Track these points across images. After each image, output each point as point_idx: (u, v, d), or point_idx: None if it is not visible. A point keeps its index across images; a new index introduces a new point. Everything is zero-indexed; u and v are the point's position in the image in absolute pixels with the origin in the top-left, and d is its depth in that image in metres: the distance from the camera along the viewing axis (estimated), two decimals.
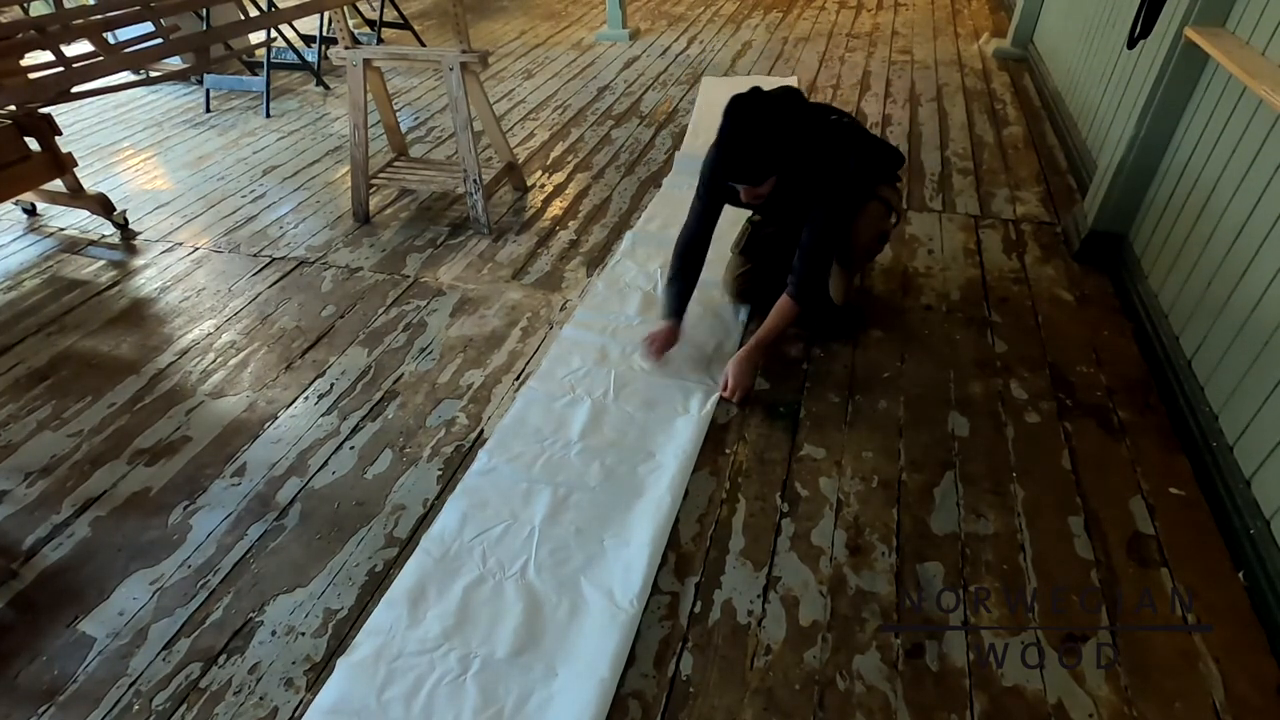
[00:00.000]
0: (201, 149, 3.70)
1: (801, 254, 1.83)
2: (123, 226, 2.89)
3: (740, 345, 2.07)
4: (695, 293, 2.03)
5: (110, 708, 1.31)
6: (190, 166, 3.51)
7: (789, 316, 1.88)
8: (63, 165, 2.73)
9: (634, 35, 5.22)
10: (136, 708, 1.31)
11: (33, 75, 2.59)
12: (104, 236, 2.91)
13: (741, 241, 2.20)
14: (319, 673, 1.35)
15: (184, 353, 2.23)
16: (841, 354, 2.08)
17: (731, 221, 2.10)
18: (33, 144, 2.65)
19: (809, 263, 1.83)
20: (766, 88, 1.68)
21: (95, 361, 2.20)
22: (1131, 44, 2.22)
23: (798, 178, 1.75)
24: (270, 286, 2.54)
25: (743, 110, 1.62)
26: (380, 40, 5.16)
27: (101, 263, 2.73)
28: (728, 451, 1.79)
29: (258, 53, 4.72)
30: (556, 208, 3.01)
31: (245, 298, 2.48)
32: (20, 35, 2.25)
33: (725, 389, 1.90)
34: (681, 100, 4.05)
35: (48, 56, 2.38)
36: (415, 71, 4.72)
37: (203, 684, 1.34)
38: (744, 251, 2.19)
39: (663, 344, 1.99)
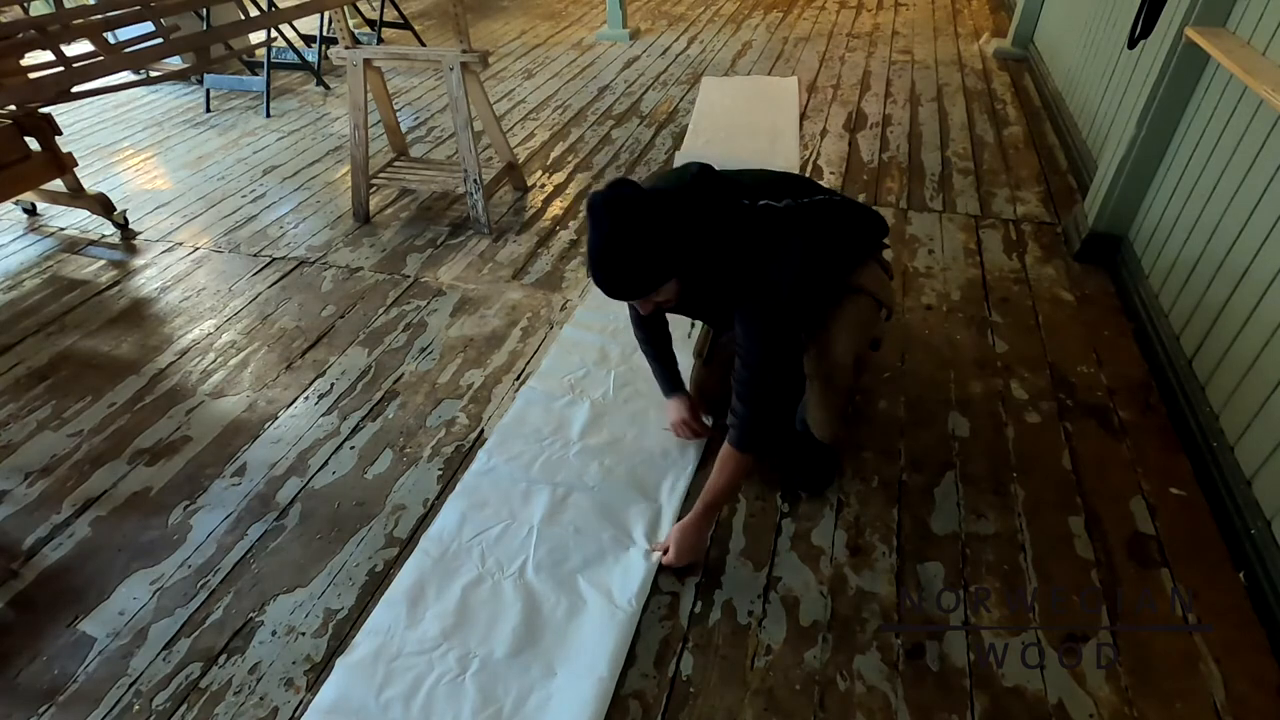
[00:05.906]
0: (201, 149, 3.70)
1: (737, 392, 1.38)
2: (123, 226, 2.89)
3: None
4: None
5: (110, 707, 1.31)
6: (190, 166, 3.51)
7: (739, 470, 1.44)
8: (63, 165, 2.73)
9: (634, 35, 5.22)
10: (137, 708, 1.31)
11: (33, 75, 2.59)
12: (104, 236, 2.91)
13: (704, 350, 1.86)
14: (319, 673, 1.35)
15: (184, 353, 2.22)
16: None
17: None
18: (33, 144, 2.65)
19: (748, 402, 1.37)
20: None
21: (95, 361, 2.20)
22: (1132, 44, 2.21)
23: (714, 283, 1.34)
24: (270, 286, 2.54)
25: (601, 217, 1.18)
26: (380, 40, 5.16)
27: (101, 263, 2.73)
28: None
29: (258, 53, 4.72)
30: (557, 207, 3.00)
31: (245, 298, 2.48)
32: (20, 35, 2.25)
33: (666, 555, 1.50)
34: (682, 100, 4.05)
35: (48, 56, 2.38)
36: (415, 71, 4.72)
37: (203, 684, 1.34)
38: (708, 362, 1.85)
39: (691, 415, 1.78)
